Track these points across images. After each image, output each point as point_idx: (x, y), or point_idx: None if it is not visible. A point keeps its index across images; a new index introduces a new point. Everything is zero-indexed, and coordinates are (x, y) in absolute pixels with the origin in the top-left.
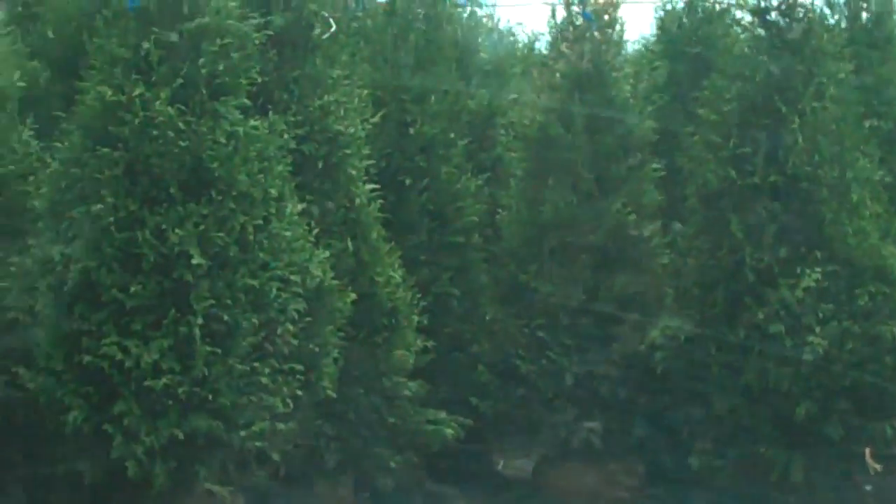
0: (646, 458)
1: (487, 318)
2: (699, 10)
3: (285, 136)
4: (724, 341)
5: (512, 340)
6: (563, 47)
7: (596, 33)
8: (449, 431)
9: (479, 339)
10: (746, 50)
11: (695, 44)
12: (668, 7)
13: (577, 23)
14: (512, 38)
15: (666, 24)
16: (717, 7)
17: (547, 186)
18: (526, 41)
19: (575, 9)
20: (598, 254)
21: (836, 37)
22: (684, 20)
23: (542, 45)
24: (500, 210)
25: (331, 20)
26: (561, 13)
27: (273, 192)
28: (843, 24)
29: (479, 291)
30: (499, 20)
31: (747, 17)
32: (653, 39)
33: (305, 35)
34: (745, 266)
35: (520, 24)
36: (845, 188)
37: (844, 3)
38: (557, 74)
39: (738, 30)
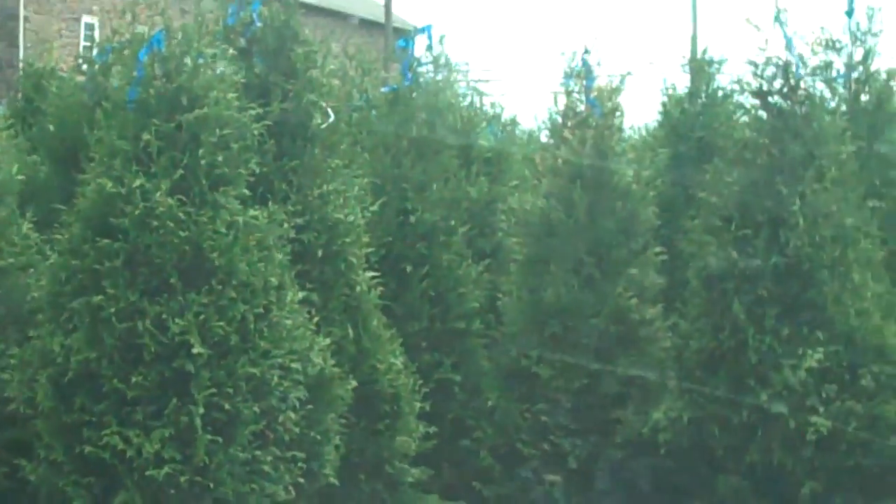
0: None
1: (489, 403)
2: (702, 94)
3: (285, 224)
4: (728, 422)
5: (514, 425)
6: (566, 133)
7: (598, 119)
8: None
9: (481, 425)
10: (748, 133)
11: (697, 128)
12: (671, 92)
13: (579, 109)
14: (514, 126)
15: (668, 109)
16: (720, 92)
17: (548, 271)
18: (527, 129)
19: (577, 95)
20: (600, 337)
21: (837, 119)
22: (686, 105)
23: (543, 133)
24: (501, 295)
25: (329, 110)
26: (562, 100)
27: (273, 280)
28: (844, 107)
29: (480, 377)
30: (502, 109)
31: (749, 101)
32: (655, 125)
33: (304, 125)
34: (748, 347)
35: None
36: (847, 269)
37: (845, 86)
38: (559, 160)
39: (740, 113)
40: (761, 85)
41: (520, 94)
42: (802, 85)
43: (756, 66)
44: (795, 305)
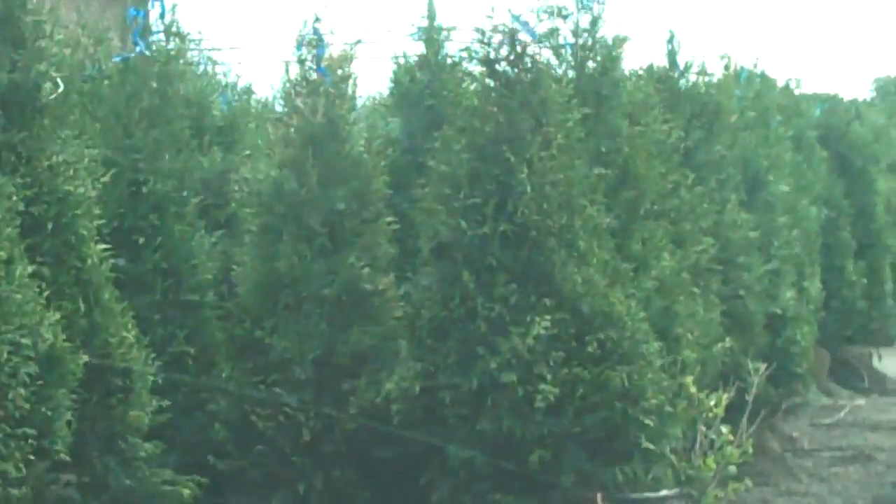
0: None
1: (224, 375)
2: (431, 63)
3: (13, 197)
4: (459, 391)
5: (248, 397)
6: (298, 102)
7: (330, 88)
8: (186, 492)
9: (215, 398)
10: (476, 101)
11: (427, 96)
12: (401, 61)
13: (312, 77)
14: (249, 95)
15: (398, 78)
16: (449, 60)
17: (281, 241)
18: (263, 98)
19: (309, 63)
20: (333, 308)
21: (564, 87)
22: (417, 74)
23: (277, 102)
24: (234, 267)
25: (59, 80)
26: (295, 69)
27: (2, 254)
28: (571, 74)
29: (214, 349)
30: (238, 78)
31: (478, 69)
32: (386, 94)
33: (33, 96)
34: (478, 316)
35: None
36: (573, 236)
37: (572, 54)
38: (291, 129)
39: (469, 81)
40: (488, 53)
41: (257, 64)
42: (529, 52)
43: (483, 33)
44: (524, 273)
